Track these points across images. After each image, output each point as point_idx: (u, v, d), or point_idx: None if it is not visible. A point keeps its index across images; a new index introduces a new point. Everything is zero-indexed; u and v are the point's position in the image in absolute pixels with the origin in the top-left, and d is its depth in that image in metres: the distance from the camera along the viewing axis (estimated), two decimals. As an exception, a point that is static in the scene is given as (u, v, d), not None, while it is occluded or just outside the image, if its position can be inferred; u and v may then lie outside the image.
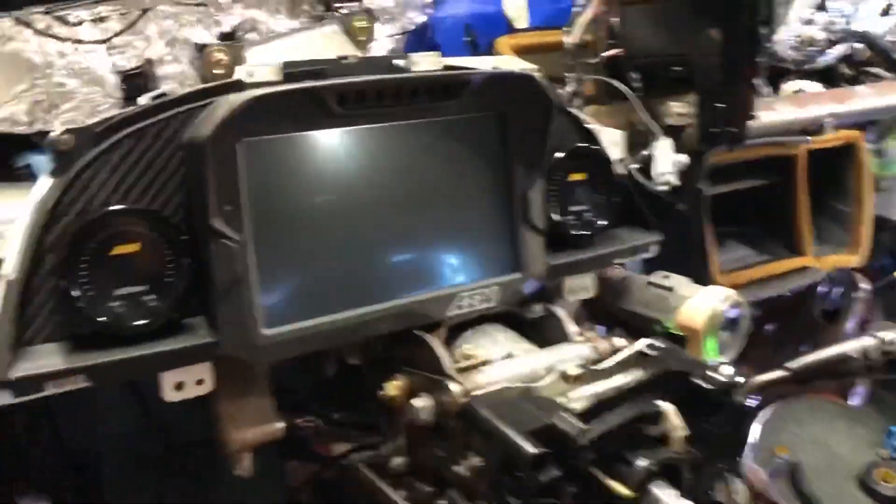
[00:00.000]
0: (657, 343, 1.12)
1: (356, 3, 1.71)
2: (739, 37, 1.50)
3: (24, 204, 0.99)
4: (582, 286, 1.38)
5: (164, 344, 1.01)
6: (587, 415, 0.98)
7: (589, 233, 1.34)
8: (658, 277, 1.43)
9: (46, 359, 0.96)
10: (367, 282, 1.14)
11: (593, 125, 1.40)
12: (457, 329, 1.25)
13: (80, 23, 1.33)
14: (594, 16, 1.63)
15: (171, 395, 1.05)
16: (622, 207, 1.41)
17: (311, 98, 1.03)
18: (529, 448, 0.91)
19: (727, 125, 1.59)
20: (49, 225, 0.98)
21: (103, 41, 1.36)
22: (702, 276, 1.74)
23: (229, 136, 0.99)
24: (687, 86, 1.61)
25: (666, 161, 1.53)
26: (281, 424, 1.16)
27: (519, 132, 1.22)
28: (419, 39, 1.88)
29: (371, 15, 1.72)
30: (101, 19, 1.35)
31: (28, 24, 1.26)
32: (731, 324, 1.35)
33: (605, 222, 1.35)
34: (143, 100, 1.11)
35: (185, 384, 1.06)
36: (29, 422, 1.44)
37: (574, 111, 1.37)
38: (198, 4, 1.48)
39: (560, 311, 1.27)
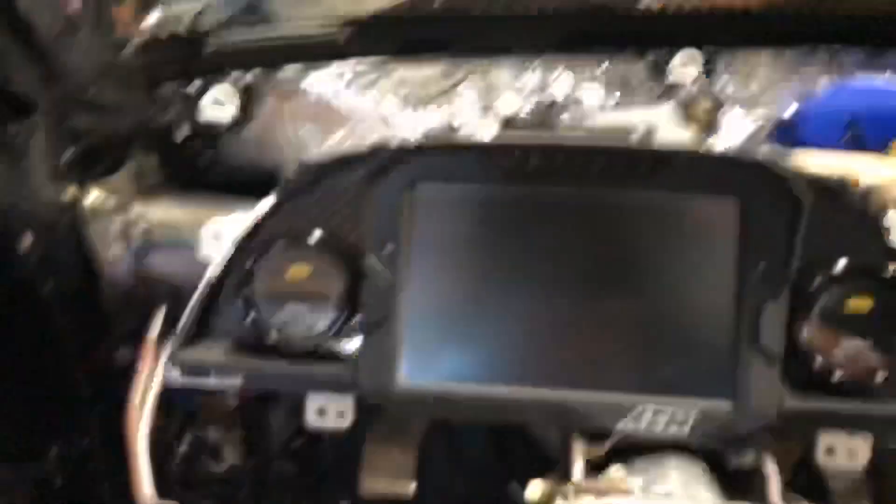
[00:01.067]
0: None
1: (702, 85, 1.56)
2: None
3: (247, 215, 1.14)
4: (846, 450, 1.03)
5: (311, 367, 1.06)
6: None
7: (860, 381, 1.00)
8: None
9: (216, 352, 1.09)
10: (527, 361, 1.03)
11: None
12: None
13: (400, 82, 1.48)
14: None
15: (312, 419, 1.09)
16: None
17: (472, 151, 0.99)
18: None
19: None
20: (254, 237, 1.11)
21: (420, 101, 1.48)
22: None
23: (398, 180, 1.01)
24: None
25: None
26: (413, 484, 1.11)
27: (761, 229, 0.99)
28: (787, 133, 1.62)
29: (717, 99, 1.56)
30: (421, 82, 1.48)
31: (353, 78, 1.45)
32: None
33: (889, 373, 1.00)
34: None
35: (326, 412, 1.09)
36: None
37: (883, 220, 1.04)
38: (518, 74, 1.52)
39: (770, 468, 0.97)
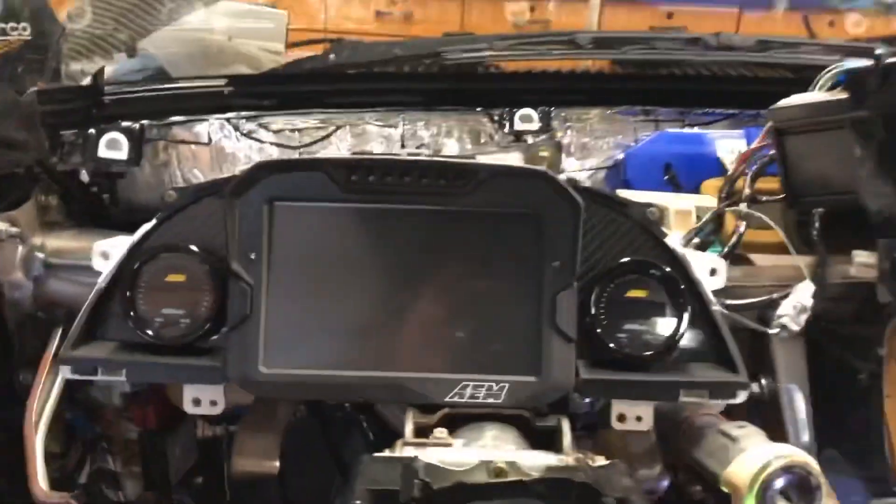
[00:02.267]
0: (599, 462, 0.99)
1: (545, 136, 1.83)
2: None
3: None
4: (633, 415, 1.25)
5: (186, 360, 1.23)
6: (446, 495, 0.92)
7: (639, 354, 1.23)
8: (730, 426, 1.23)
9: (103, 351, 1.25)
10: (370, 349, 1.22)
11: (680, 247, 1.30)
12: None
13: (279, 131, 1.71)
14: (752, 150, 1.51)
15: (189, 407, 1.26)
16: (711, 343, 1.26)
17: (320, 170, 1.20)
18: (356, 501, 0.90)
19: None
20: (136, 252, 1.28)
21: (296, 147, 1.70)
22: (880, 468, 1.42)
23: (257, 197, 1.21)
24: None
25: (788, 304, 1.32)
26: (277, 463, 1.28)
27: (552, 232, 1.22)
28: (616, 176, 1.90)
29: (558, 147, 1.83)
30: (299, 130, 1.71)
31: (236, 128, 1.67)
32: (797, 492, 1.10)
33: (661, 347, 1.23)
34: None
35: (201, 401, 1.25)
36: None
37: (657, 228, 1.29)
38: (385, 125, 1.76)
39: (565, 425, 1.18)
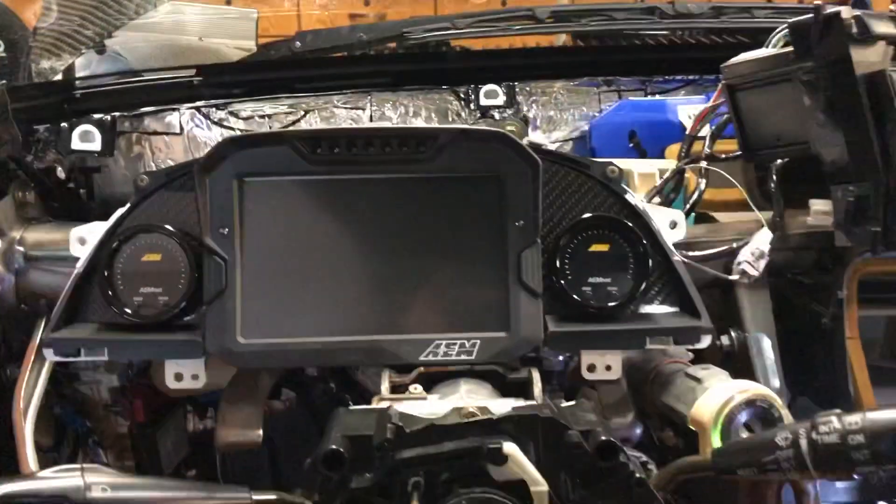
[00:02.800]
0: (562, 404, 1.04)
1: (511, 111, 1.87)
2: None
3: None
4: (602, 365, 1.29)
5: (166, 336, 1.27)
6: (418, 436, 0.96)
7: (603, 305, 1.27)
8: (696, 369, 1.27)
9: (84, 332, 1.28)
10: (344, 315, 1.26)
11: (640, 201, 1.34)
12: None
13: (249, 118, 1.75)
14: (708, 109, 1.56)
15: (171, 383, 1.29)
16: (674, 292, 1.31)
17: (285, 143, 1.23)
18: (330, 445, 0.94)
19: (866, 223, 1.37)
20: (112, 235, 1.32)
21: (266, 133, 1.74)
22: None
23: (225, 173, 1.24)
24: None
25: (746, 251, 1.37)
26: (260, 433, 1.31)
27: (513, 192, 1.26)
28: (583, 146, 1.95)
29: (524, 121, 1.87)
30: (269, 116, 1.75)
31: (207, 116, 1.71)
32: (760, 424, 1.14)
33: (625, 298, 1.27)
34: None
35: (183, 376, 1.29)
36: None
37: (618, 185, 1.33)
38: (353, 108, 1.80)
39: (535, 376, 1.22)
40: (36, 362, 1.45)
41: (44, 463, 1.60)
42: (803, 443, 0.88)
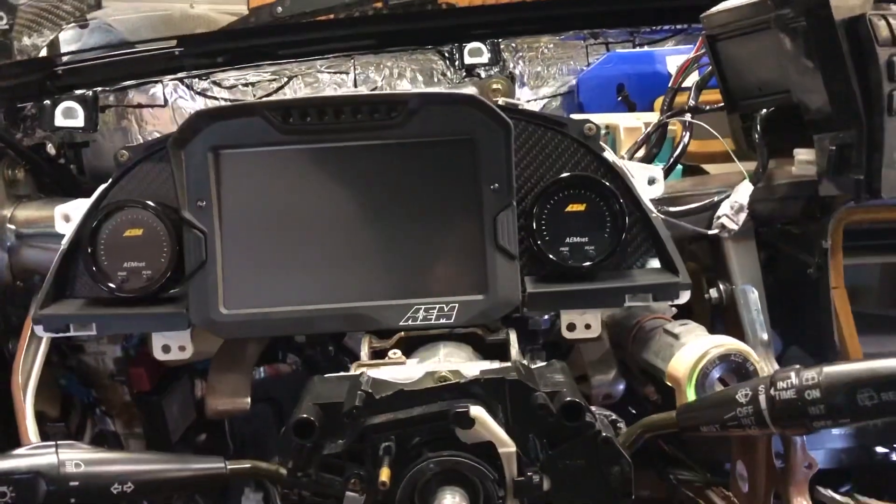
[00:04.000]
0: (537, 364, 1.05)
1: (497, 68, 1.85)
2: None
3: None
4: (582, 323, 1.30)
5: (151, 309, 1.29)
6: (387, 402, 0.98)
7: (580, 265, 1.27)
8: (674, 325, 1.28)
9: (72, 307, 1.31)
10: (323, 283, 1.27)
11: (617, 159, 1.33)
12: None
13: (232, 86, 1.75)
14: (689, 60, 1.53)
15: (159, 354, 1.32)
16: (653, 250, 1.31)
17: (256, 114, 1.23)
18: (302, 413, 0.96)
19: (849, 171, 1.35)
20: (95, 211, 1.33)
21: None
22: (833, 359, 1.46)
23: (200, 146, 1.25)
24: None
25: (726, 205, 1.36)
26: (248, 400, 1.34)
27: (486, 155, 1.26)
28: (571, 101, 1.93)
29: (510, 79, 1.85)
30: (252, 84, 1.75)
31: (190, 87, 1.71)
32: (735, 378, 1.15)
33: (602, 256, 1.27)
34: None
35: (170, 348, 1.31)
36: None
37: (595, 143, 1.32)
38: (337, 72, 1.79)
39: (512, 336, 1.23)
40: (33, 337, 1.49)
41: (50, 434, 1.66)
42: (762, 399, 0.88)
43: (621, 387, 1.38)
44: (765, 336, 1.46)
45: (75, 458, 0.88)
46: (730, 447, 1.61)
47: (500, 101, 1.32)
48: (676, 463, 1.79)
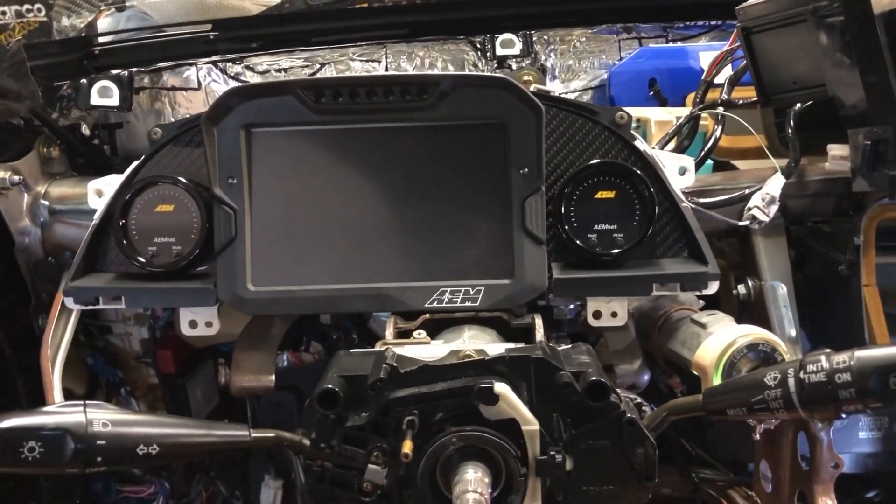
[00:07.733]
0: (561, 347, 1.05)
1: (528, 60, 1.85)
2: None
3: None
4: (608, 311, 1.29)
5: (179, 284, 1.30)
6: (411, 376, 0.98)
7: (608, 252, 1.27)
8: (702, 315, 1.27)
9: (102, 281, 1.32)
10: (351, 263, 1.28)
11: (648, 147, 1.32)
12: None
13: (265, 72, 1.76)
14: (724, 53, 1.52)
15: (186, 330, 1.33)
16: (682, 239, 1.30)
17: (289, 92, 1.24)
18: (326, 384, 0.96)
19: (884, 167, 1.34)
20: (127, 187, 1.35)
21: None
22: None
23: (232, 123, 1.26)
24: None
25: (757, 196, 1.35)
26: (272, 377, 1.35)
27: (517, 139, 1.26)
28: (603, 95, 1.92)
29: (541, 71, 1.85)
30: (285, 70, 1.76)
31: (223, 71, 1.73)
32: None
33: (630, 244, 1.26)
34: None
35: (197, 323, 1.33)
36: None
37: (626, 132, 1.31)
38: (368, 60, 1.80)
39: (538, 321, 1.23)
40: (63, 312, 1.51)
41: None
42: (791, 382, 0.87)
43: (646, 377, 1.37)
44: (793, 332, 1.45)
45: (103, 417, 0.89)
46: (753, 447, 1.59)
47: (533, 87, 1.32)
48: (699, 462, 1.78)
